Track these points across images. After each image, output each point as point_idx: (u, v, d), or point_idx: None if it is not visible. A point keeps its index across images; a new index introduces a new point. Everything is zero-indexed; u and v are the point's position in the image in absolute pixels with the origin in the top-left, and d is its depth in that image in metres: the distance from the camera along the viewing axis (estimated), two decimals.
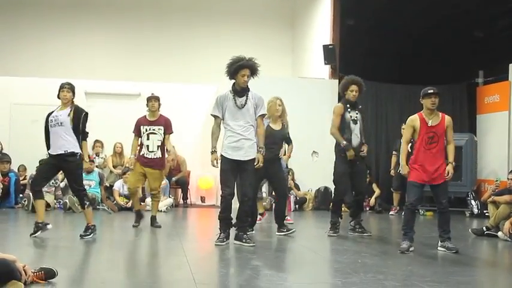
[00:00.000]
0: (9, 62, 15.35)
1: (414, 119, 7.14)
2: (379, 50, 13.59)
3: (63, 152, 7.47)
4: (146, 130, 8.89)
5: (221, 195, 7.36)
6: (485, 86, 14.10)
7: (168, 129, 8.96)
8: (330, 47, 13.39)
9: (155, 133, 8.87)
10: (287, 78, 15.12)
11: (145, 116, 9.06)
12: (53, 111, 7.70)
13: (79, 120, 7.55)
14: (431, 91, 7.07)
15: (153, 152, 8.87)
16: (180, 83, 14.82)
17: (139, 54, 15.93)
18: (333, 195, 9.23)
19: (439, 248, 7.10)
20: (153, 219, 9.05)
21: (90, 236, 7.62)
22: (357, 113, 8.49)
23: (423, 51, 13.84)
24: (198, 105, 14.37)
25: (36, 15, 15.87)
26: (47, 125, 7.66)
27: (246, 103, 7.24)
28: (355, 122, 8.43)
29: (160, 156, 8.99)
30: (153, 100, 8.96)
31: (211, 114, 7.37)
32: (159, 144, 8.90)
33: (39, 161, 12.39)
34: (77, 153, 7.49)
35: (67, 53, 15.64)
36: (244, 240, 7.17)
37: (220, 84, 14.13)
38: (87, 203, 7.74)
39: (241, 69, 7.12)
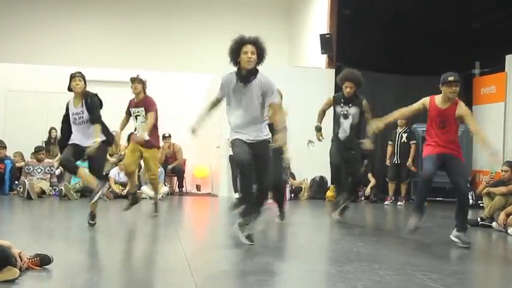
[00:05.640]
0: (5, 48, 15.32)
1: (426, 100, 6.73)
2: (376, 40, 13.56)
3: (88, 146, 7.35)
4: (133, 112, 8.64)
5: None
6: (482, 77, 14.12)
7: (148, 108, 8.52)
8: (326, 36, 13.38)
9: (139, 115, 8.60)
10: (284, 67, 15.11)
11: (133, 98, 8.77)
12: (68, 102, 7.50)
13: (95, 109, 7.40)
14: (452, 78, 6.55)
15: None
16: (176, 72, 14.81)
17: (136, 42, 15.92)
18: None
19: (451, 237, 6.76)
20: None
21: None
22: (349, 107, 8.44)
23: (420, 41, 13.83)
24: (194, 93, 14.36)
25: (33, 2, 15.82)
26: (67, 118, 7.43)
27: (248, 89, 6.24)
28: (345, 116, 8.42)
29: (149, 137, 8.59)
30: (136, 82, 8.59)
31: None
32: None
33: (35, 148, 12.45)
34: (102, 140, 7.38)
35: (64, 40, 15.62)
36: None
37: (215, 73, 14.15)
38: None
39: (242, 45, 6.15)
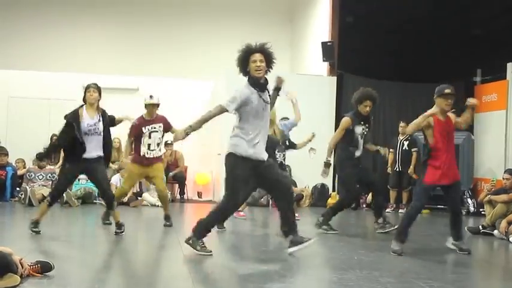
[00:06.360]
0: (7, 55, 15.34)
1: (429, 118, 6.52)
2: (377, 48, 13.60)
3: (95, 157, 7.46)
4: (148, 129, 8.66)
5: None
6: (483, 84, 14.13)
7: (169, 126, 8.77)
8: (328, 44, 13.40)
9: (156, 131, 8.67)
10: (285, 74, 15.05)
11: (142, 116, 8.80)
12: (77, 111, 7.47)
13: (108, 127, 7.68)
14: (449, 91, 6.47)
15: (154, 150, 8.65)
16: (177, 78, 14.84)
17: (137, 49, 15.94)
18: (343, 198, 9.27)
19: (449, 245, 6.90)
20: (167, 217, 8.88)
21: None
22: (366, 127, 8.37)
23: (421, 49, 13.85)
24: (195, 100, 14.37)
25: (34, 8, 15.87)
26: (78, 127, 7.41)
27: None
28: (362, 136, 8.32)
29: (160, 154, 8.85)
30: (151, 107, 8.71)
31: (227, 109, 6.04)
32: (159, 142, 8.73)
33: (36, 155, 12.43)
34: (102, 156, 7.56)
35: (65, 47, 15.64)
36: None
37: (216, 79, 14.17)
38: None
39: (250, 54, 6.04)
